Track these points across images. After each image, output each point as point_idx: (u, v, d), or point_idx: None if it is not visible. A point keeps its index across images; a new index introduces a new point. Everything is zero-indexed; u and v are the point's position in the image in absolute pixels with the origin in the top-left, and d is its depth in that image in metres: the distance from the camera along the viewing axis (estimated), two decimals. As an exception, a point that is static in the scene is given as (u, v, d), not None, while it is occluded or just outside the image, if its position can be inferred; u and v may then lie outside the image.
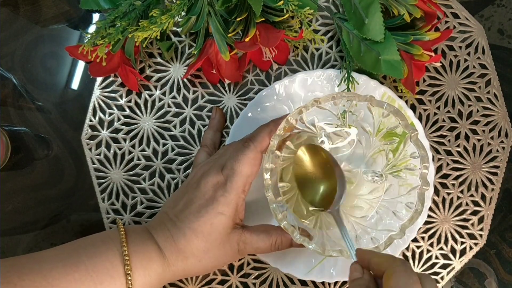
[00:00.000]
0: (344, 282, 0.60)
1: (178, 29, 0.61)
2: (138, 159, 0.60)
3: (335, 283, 0.60)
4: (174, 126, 0.61)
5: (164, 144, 0.61)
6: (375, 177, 0.52)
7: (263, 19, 0.52)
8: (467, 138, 0.61)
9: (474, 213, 0.61)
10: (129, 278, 0.42)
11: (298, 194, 0.53)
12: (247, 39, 0.51)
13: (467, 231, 0.61)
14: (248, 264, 0.60)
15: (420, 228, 0.60)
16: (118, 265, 0.42)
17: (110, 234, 0.46)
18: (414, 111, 0.60)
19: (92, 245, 0.44)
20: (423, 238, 0.61)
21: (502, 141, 0.61)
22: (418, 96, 0.61)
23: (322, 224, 0.52)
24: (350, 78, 0.54)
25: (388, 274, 0.36)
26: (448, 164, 0.61)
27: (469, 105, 0.61)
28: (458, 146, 0.61)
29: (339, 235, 0.50)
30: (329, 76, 0.56)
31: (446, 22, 0.62)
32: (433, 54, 0.52)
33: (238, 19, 0.51)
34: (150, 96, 0.61)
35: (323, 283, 0.60)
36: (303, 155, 0.51)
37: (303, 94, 0.56)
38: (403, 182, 0.50)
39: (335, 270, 0.56)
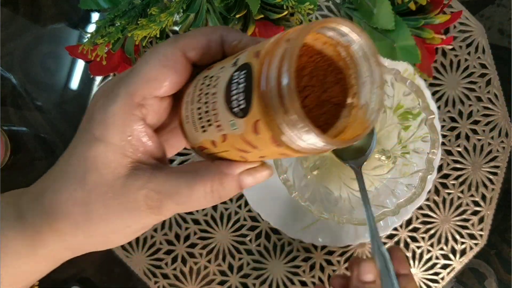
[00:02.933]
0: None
1: (177, 28, 0.61)
2: (138, 158, 0.60)
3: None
4: (174, 126, 0.60)
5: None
6: (382, 157, 0.52)
7: (262, 16, 0.52)
8: (467, 138, 0.61)
9: (474, 213, 0.61)
10: None
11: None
12: (246, 37, 0.51)
13: (467, 231, 0.61)
14: (248, 264, 0.60)
15: (420, 228, 0.60)
16: None
17: None
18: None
19: None
20: (423, 238, 0.60)
21: (502, 141, 0.61)
22: (418, 96, 0.61)
23: (320, 187, 0.52)
24: None
25: None
26: (448, 164, 0.61)
27: (470, 105, 0.61)
28: (458, 146, 0.61)
29: (334, 201, 0.50)
30: None
31: (446, 21, 0.62)
32: (444, 37, 0.52)
33: (237, 16, 0.51)
34: (149, 95, 0.61)
35: (322, 282, 0.60)
36: None
37: None
38: (407, 162, 0.50)
39: (323, 238, 0.57)
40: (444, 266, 0.61)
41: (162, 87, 0.26)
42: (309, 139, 0.21)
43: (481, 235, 0.61)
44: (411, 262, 0.60)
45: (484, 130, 0.61)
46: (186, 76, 0.28)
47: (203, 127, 0.25)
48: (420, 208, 0.60)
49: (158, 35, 0.51)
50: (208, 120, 0.25)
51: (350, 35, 0.23)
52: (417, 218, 0.61)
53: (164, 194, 0.26)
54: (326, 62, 0.24)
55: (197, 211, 0.60)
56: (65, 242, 0.28)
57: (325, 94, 0.24)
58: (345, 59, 0.24)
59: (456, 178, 0.61)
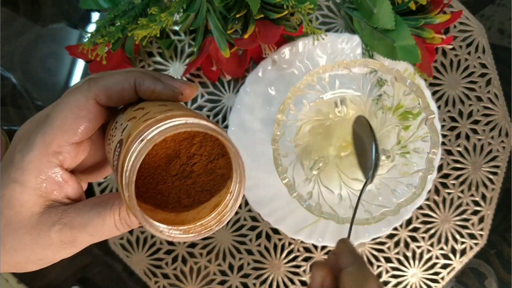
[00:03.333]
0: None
1: (176, 28, 0.61)
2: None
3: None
4: (174, 126, 0.60)
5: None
6: (382, 157, 0.52)
7: (262, 15, 0.52)
8: (467, 137, 0.61)
9: (475, 213, 0.61)
10: None
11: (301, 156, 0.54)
12: (246, 36, 0.50)
13: (468, 231, 0.61)
14: (248, 264, 0.60)
15: (420, 228, 0.60)
16: None
17: None
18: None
19: None
20: (423, 238, 0.60)
21: (502, 141, 0.61)
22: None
23: (320, 187, 0.52)
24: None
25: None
26: (448, 164, 0.61)
27: (470, 105, 0.61)
28: (458, 145, 0.61)
29: (335, 201, 0.50)
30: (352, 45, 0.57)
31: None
32: (444, 36, 0.52)
33: (237, 16, 0.51)
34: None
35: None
36: (360, 122, 0.50)
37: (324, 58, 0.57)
38: (407, 162, 0.50)
39: (323, 238, 0.57)
40: (444, 266, 0.61)
41: (77, 135, 0.28)
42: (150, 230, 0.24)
43: (481, 235, 0.61)
44: (411, 261, 0.60)
45: (484, 130, 0.61)
46: (101, 120, 0.29)
47: (112, 165, 0.27)
48: (420, 208, 0.60)
49: (158, 35, 0.51)
50: (113, 165, 0.27)
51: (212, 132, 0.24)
52: (417, 218, 0.61)
53: (78, 228, 0.28)
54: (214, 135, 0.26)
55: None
56: None
57: (211, 164, 0.26)
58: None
59: (456, 178, 0.61)
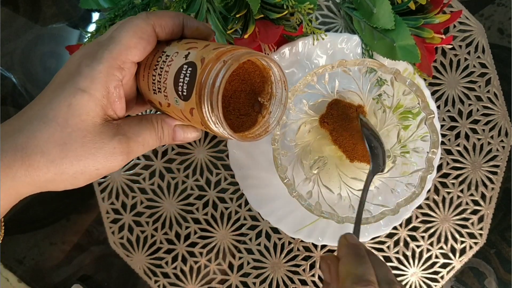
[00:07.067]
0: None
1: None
2: (138, 158, 0.60)
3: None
4: (174, 125, 0.61)
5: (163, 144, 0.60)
6: None
7: (262, 15, 0.52)
8: (467, 137, 0.61)
9: (474, 212, 0.61)
10: None
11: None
12: (246, 36, 0.51)
13: (467, 230, 0.61)
14: (248, 263, 0.60)
15: (420, 228, 0.60)
16: None
17: None
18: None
19: None
20: (423, 237, 0.61)
21: (502, 140, 0.61)
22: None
23: (320, 186, 0.52)
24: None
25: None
26: (448, 163, 0.61)
27: (469, 104, 0.61)
28: (458, 145, 0.61)
29: (334, 201, 0.50)
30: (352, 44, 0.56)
31: (446, 21, 0.62)
32: (444, 36, 0.52)
33: (237, 16, 0.52)
34: (149, 95, 0.61)
35: (322, 281, 0.60)
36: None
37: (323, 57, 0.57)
38: (407, 161, 0.51)
39: (323, 238, 0.57)
40: (444, 265, 0.61)
41: (138, 54, 0.33)
42: (223, 131, 0.30)
43: (480, 234, 0.61)
44: (411, 261, 0.60)
45: (483, 130, 0.61)
46: (153, 46, 0.34)
47: (154, 90, 0.33)
48: (420, 207, 0.61)
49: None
50: (159, 88, 0.33)
51: (270, 64, 0.31)
52: (417, 217, 0.61)
53: (132, 138, 0.33)
54: (256, 69, 0.34)
55: (197, 211, 0.60)
56: (32, 178, 0.31)
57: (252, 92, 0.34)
58: (269, 72, 0.33)
59: (456, 177, 0.61)
